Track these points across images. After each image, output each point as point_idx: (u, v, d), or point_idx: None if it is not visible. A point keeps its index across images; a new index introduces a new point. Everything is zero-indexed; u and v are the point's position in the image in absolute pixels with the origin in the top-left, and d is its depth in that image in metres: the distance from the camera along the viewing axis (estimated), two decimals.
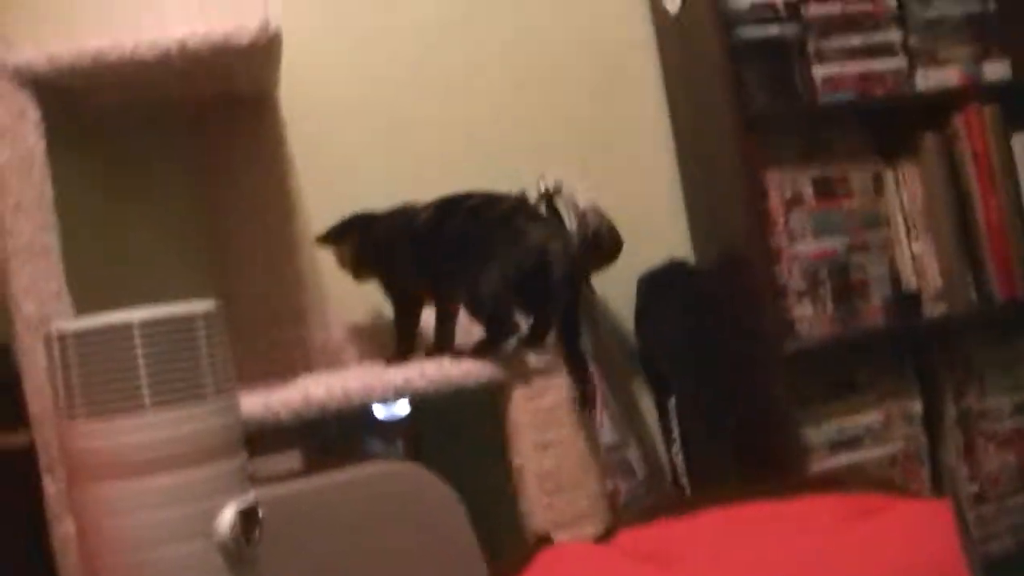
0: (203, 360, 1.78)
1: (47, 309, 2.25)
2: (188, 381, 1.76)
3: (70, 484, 1.82)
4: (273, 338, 2.72)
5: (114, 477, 1.75)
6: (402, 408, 2.62)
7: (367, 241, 2.68)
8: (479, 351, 2.41)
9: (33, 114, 2.29)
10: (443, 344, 2.62)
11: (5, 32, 2.35)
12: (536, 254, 2.38)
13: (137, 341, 1.74)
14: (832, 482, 2.29)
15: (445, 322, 2.63)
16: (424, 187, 2.83)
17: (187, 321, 1.78)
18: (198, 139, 2.82)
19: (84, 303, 2.32)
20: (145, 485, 1.74)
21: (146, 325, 1.75)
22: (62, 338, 1.78)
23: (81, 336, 1.76)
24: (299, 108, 2.88)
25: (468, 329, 2.58)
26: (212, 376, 1.79)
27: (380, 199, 2.81)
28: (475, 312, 2.44)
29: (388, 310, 2.73)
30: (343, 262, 2.70)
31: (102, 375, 1.74)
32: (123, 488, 1.75)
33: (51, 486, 2.24)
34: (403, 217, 2.64)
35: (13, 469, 2.35)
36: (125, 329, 1.74)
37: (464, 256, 2.44)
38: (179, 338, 1.76)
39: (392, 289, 2.68)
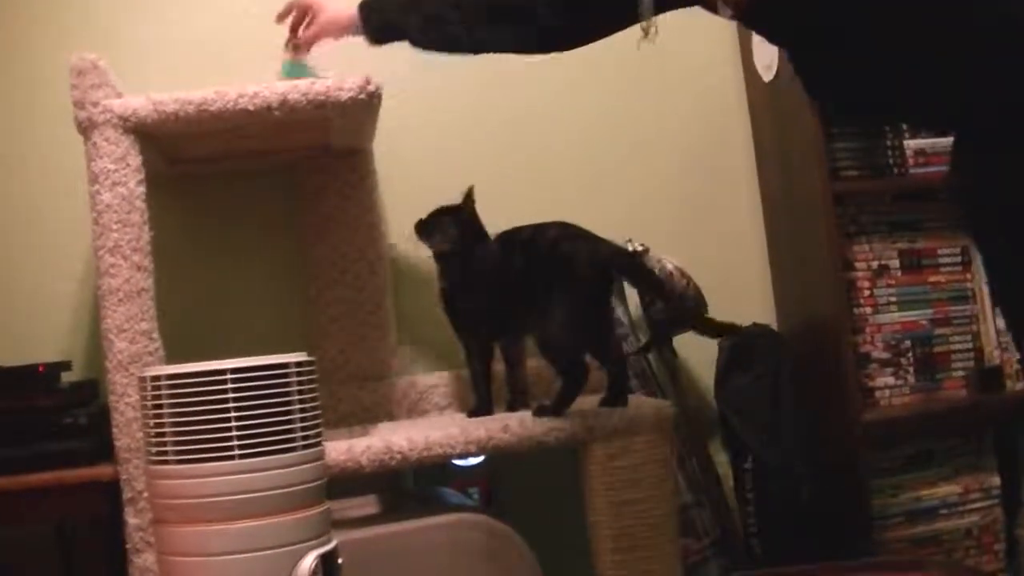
0: (293, 410, 1.80)
1: (137, 348, 2.29)
2: (277, 431, 1.77)
3: (155, 523, 1.84)
4: (358, 386, 2.74)
5: (199, 521, 1.77)
6: (478, 455, 2.63)
7: (445, 285, 2.68)
8: (559, 404, 2.42)
9: (135, 160, 2.34)
10: (518, 394, 2.64)
11: (112, 80, 2.39)
12: (590, 271, 2.41)
13: (229, 389, 1.76)
14: (911, 564, 2.27)
15: (515, 368, 2.65)
16: None
17: (279, 371, 1.80)
18: (292, 189, 2.87)
19: (173, 346, 2.37)
20: (230, 530, 1.76)
21: (239, 373, 1.77)
22: (156, 381, 1.80)
23: (175, 381, 1.79)
24: (391, 163, 2.92)
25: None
26: (301, 427, 1.81)
27: None
28: (550, 359, 2.45)
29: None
30: None
31: (193, 421, 1.77)
32: (208, 532, 1.77)
33: (133, 518, 2.28)
34: (467, 260, 2.64)
35: (96, 500, 2.40)
36: (218, 376, 1.76)
37: (525, 300, 2.47)
38: (270, 387, 1.78)
39: (464, 336, 2.67)
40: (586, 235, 2.46)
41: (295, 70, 2.47)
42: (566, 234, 2.48)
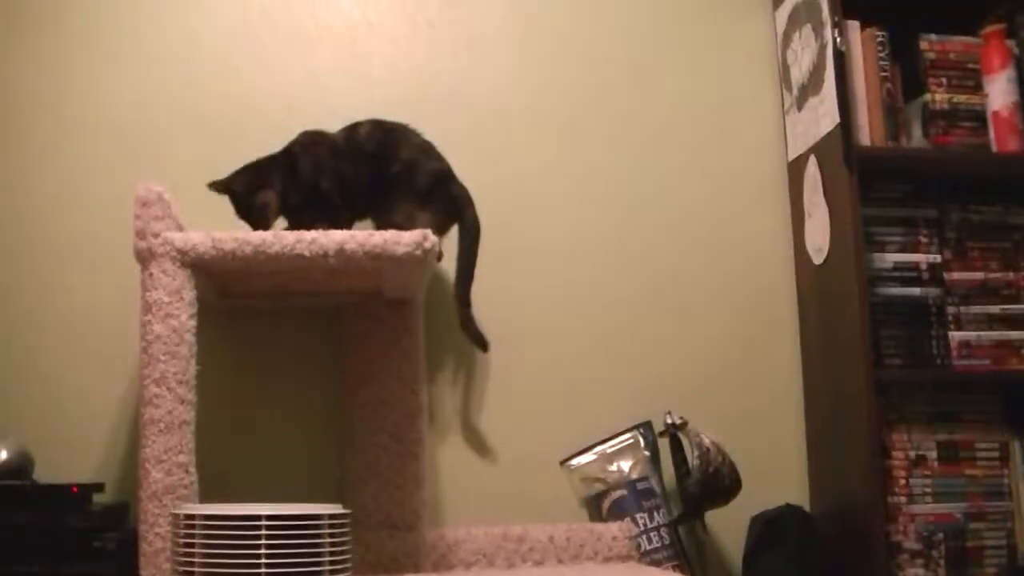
0: (324, 562, 1.81)
1: (173, 480, 2.30)
2: None
3: None
4: (387, 534, 2.73)
5: None
6: None
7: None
8: None
9: (189, 294, 2.38)
10: None
11: (176, 215, 2.44)
12: None
13: (263, 535, 1.77)
14: None
15: None
16: (547, 406, 2.90)
17: (313, 521, 1.81)
18: (339, 331, 2.89)
19: (208, 478, 2.39)
20: None
21: (273, 520, 1.78)
22: (190, 519, 1.82)
23: (209, 521, 1.80)
24: (439, 316, 2.95)
25: None
26: None
27: (508, 414, 2.90)
28: None
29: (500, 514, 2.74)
30: None
31: (224, 563, 1.78)
32: None
33: None
34: None
35: None
36: (253, 521, 1.77)
37: None
38: (303, 537, 1.79)
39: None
40: None
41: None
42: None
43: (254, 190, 2.65)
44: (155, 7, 3.06)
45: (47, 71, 3.00)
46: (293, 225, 2.67)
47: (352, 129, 2.76)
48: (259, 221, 2.65)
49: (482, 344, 2.85)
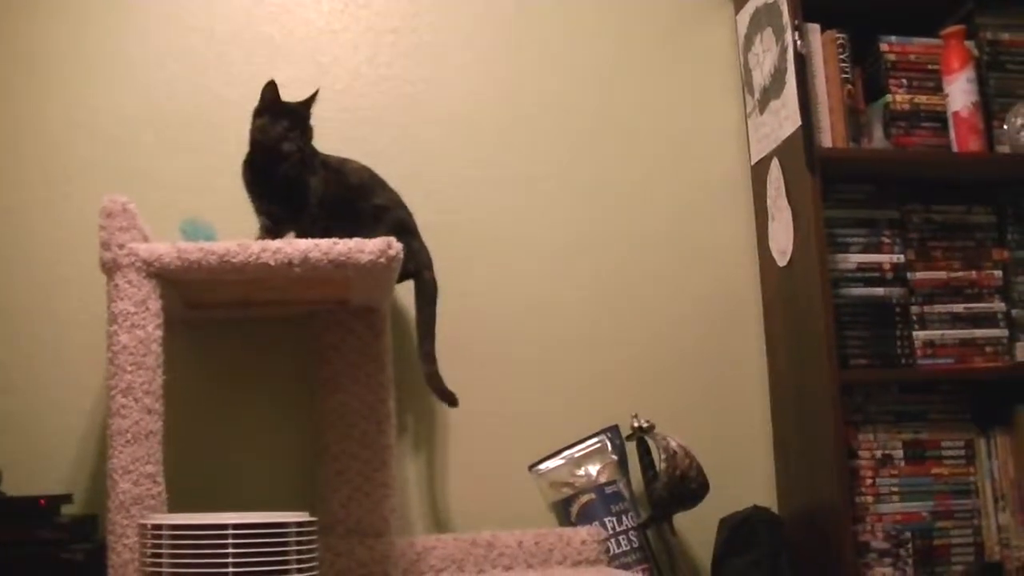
0: (291, 570, 1.81)
1: (141, 490, 2.29)
2: None
3: None
4: (357, 541, 2.73)
5: None
6: None
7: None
8: None
9: (155, 304, 2.37)
10: None
11: (141, 226, 2.44)
12: None
13: (230, 543, 1.77)
14: None
15: None
16: (514, 412, 2.91)
17: (280, 529, 1.81)
18: (308, 340, 2.89)
19: (177, 488, 2.38)
20: None
21: (240, 529, 1.78)
22: (158, 530, 1.82)
23: (176, 531, 1.80)
24: (406, 325, 2.96)
25: None
26: None
27: (476, 420, 2.92)
28: None
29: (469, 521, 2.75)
30: None
31: (192, 572, 1.78)
32: None
33: None
34: None
35: None
36: (219, 531, 1.78)
37: None
38: (270, 545, 1.79)
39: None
40: None
41: (195, 231, 2.56)
42: None
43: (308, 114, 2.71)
44: (118, 19, 3.06)
45: (15, 83, 3.00)
46: (258, 206, 2.69)
47: (344, 160, 2.80)
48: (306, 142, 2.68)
49: (450, 399, 2.79)
